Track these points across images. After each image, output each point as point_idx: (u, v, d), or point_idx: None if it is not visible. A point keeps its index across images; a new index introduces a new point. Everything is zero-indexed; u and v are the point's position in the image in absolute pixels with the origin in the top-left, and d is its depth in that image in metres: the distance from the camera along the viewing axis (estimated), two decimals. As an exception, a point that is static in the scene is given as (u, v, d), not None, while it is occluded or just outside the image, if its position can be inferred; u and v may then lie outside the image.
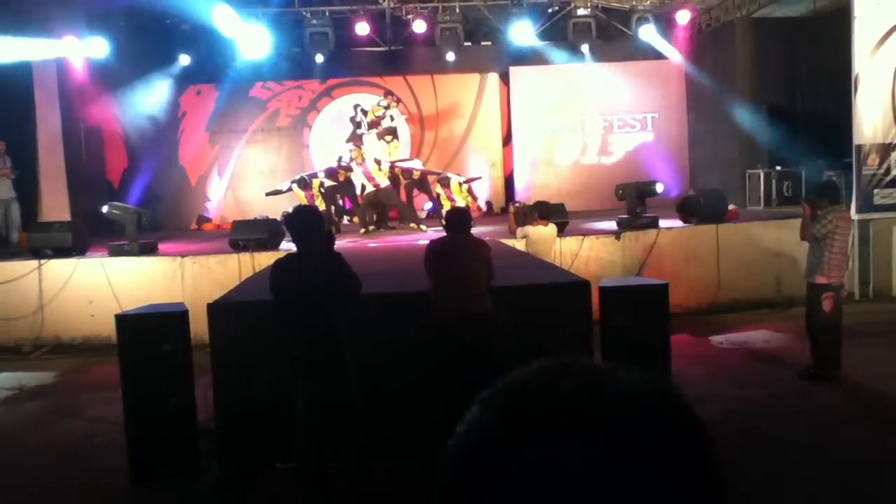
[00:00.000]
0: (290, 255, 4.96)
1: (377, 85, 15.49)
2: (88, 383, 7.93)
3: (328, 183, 12.84)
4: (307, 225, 4.87)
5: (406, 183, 13.31)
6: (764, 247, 10.24)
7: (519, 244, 8.97)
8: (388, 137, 13.86)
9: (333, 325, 4.71)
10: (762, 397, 6.58)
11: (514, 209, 10.22)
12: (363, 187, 12.79)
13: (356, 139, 13.71)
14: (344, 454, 4.84)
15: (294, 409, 4.77)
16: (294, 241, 4.96)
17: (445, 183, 12.89)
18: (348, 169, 12.85)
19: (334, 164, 13.27)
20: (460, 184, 12.96)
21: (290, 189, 12.92)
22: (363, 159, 12.44)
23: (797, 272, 7.33)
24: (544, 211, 8.90)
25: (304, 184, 12.78)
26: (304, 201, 12.29)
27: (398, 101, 14.88)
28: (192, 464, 5.36)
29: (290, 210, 5.13)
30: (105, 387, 6.74)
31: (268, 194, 13.54)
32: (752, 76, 13.36)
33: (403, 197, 13.30)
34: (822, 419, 6.00)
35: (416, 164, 13.98)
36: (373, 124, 13.93)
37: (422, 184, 13.32)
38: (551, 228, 8.78)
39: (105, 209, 10.50)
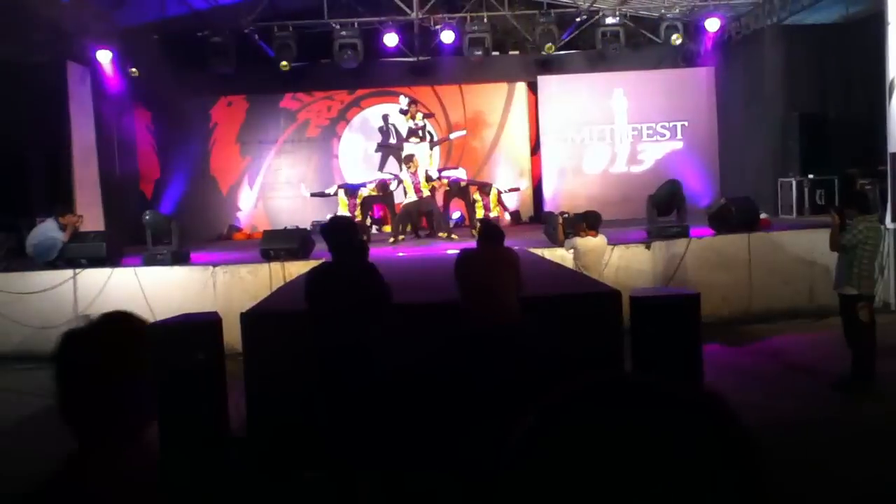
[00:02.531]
0: (325, 265, 5.02)
1: (406, 95, 15.55)
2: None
3: (372, 193, 12.82)
4: (342, 235, 4.94)
5: (447, 191, 13.22)
6: (796, 256, 10.12)
7: (567, 256, 8.83)
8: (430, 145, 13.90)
9: (364, 335, 4.74)
10: (795, 408, 6.50)
11: (562, 220, 10.10)
12: (404, 194, 12.67)
13: (393, 150, 13.71)
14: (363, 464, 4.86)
15: (323, 419, 4.80)
16: (330, 250, 5.02)
17: (487, 191, 12.83)
18: (399, 180, 12.76)
19: (386, 178, 13.21)
20: (499, 192, 12.93)
21: (335, 194, 12.90)
22: (416, 169, 12.45)
23: (830, 281, 7.24)
24: (593, 221, 8.50)
25: (351, 192, 12.77)
26: (345, 208, 12.32)
27: (429, 115, 14.92)
28: (221, 472, 5.40)
29: (326, 220, 5.21)
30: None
31: (312, 195, 13.56)
32: (782, 83, 13.21)
33: (440, 205, 13.23)
34: (855, 431, 5.90)
35: (461, 174, 13.90)
36: (412, 132, 13.88)
37: (464, 192, 13.21)
38: (601, 239, 8.45)
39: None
